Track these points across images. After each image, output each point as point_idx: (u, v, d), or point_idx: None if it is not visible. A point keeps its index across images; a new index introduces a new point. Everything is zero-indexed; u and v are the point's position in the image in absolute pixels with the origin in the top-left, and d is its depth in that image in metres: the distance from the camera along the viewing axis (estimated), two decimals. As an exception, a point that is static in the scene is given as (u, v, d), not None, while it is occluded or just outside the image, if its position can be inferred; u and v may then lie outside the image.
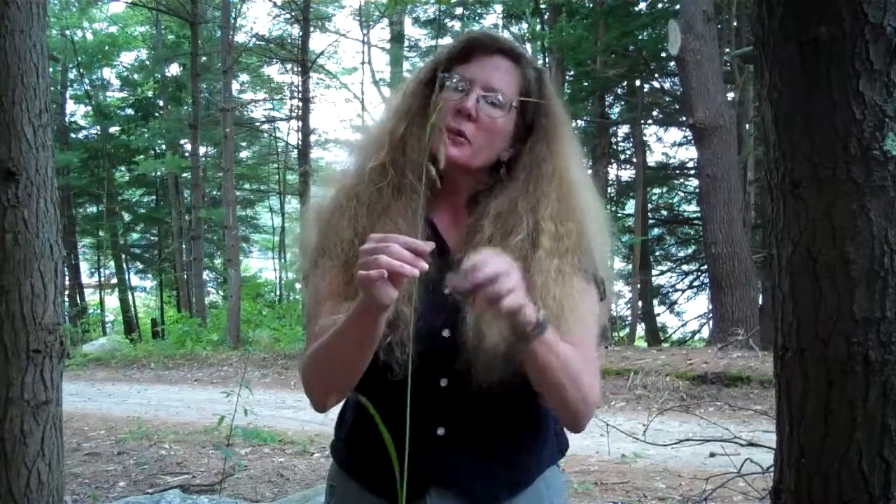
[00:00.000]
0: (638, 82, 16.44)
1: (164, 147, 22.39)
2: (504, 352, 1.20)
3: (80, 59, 23.06)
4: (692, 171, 16.74)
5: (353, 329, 1.15)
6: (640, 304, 16.28)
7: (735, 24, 13.51)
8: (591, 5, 15.15)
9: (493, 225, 1.28)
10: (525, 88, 1.31)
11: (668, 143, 18.43)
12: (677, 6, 11.19)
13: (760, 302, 10.58)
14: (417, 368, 1.19)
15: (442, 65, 1.32)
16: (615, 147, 18.10)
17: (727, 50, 12.69)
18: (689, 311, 18.18)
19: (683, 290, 17.98)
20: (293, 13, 18.71)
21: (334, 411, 1.37)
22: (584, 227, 1.29)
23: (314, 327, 1.26)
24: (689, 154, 17.57)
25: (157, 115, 23.06)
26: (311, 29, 18.94)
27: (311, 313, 1.30)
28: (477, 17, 19.61)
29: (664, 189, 19.38)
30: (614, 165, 18.42)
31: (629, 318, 16.17)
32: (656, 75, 16.30)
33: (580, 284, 1.27)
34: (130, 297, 24.80)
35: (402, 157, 1.30)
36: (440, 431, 1.27)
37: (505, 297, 1.09)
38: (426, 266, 1.07)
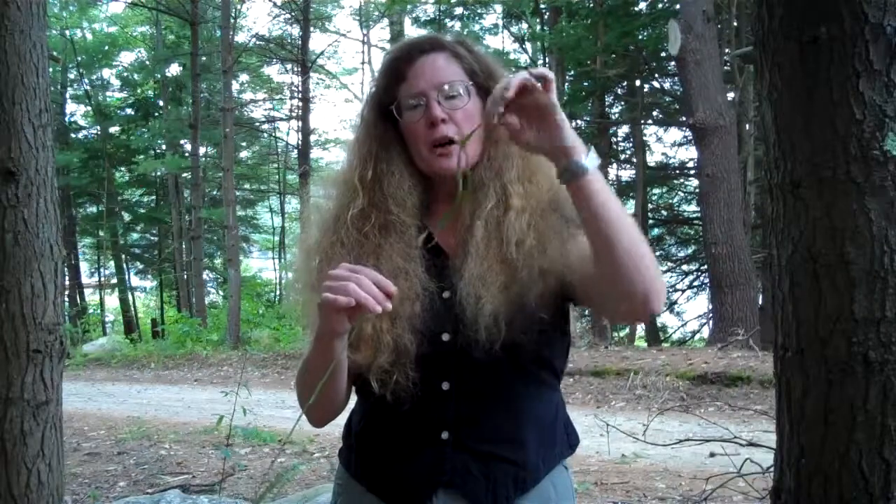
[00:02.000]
0: (638, 82, 16.43)
1: (164, 147, 22.41)
2: (506, 312, 1.20)
3: (80, 59, 23.07)
4: (692, 171, 16.74)
5: (316, 354, 1.18)
6: (640, 303, 16.22)
7: (735, 24, 13.49)
8: (591, 5, 15.14)
9: (470, 203, 1.27)
10: (468, 66, 1.30)
11: (668, 143, 18.46)
12: (677, 6, 11.19)
13: (760, 302, 10.57)
14: (419, 374, 1.23)
15: (384, 98, 1.32)
16: (615, 147, 18.08)
17: (727, 50, 12.68)
18: (689, 311, 18.15)
19: (683, 290, 17.97)
20: (293, 13, 18.72)
21: (342, 419, 1.39)
22: (554, 181, 1.21)
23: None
24: (689, 154, 17.60)
25: (157, 115, 23.07)
26: (311, 29, 18.96)
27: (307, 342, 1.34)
28: (477, 17, 19.59)
29: (664, 189, 19.37)
30: (614, 165, 18.42)
31: (629, 318, 16.11)
32: (656, 75, 16.30)
33: (563, 227, 1.23)
34: (130, 297, 24.81)
35: (380, 196, 1.30)
36: (444, 435, 1.26)
37: (547, 91, 1.06)
38: (390, 307, 1.09)
